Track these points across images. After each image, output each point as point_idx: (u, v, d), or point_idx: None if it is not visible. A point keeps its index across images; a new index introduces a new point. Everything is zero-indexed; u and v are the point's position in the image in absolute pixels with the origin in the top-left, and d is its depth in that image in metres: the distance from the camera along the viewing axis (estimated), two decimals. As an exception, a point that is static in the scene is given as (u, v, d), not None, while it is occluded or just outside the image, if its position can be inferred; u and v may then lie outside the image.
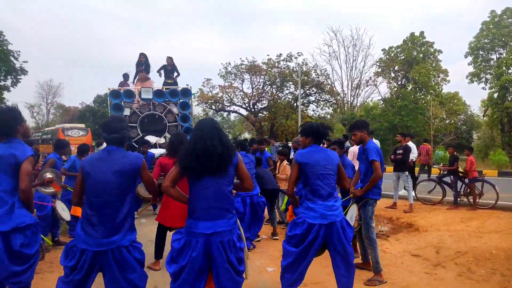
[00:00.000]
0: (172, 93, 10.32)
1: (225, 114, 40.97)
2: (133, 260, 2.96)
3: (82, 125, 32.34)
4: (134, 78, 11.33)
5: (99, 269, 2.95)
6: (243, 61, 34.28)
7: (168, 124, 10.29)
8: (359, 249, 5.29)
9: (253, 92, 34.94)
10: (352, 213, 4.82)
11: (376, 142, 11.80)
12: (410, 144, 11.07)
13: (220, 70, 35.39)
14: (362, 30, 60.12)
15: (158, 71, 11.54)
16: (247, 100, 35.08)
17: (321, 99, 36.01)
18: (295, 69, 32.52)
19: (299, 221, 3.69)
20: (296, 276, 3.66)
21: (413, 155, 11.06)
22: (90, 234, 2.88)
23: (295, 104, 33.43)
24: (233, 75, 34.83)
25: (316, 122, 4.09)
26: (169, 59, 11.63)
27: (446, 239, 6.42)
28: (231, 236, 2.99)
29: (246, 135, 41.47)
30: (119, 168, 2.96)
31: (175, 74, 11.63)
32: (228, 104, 35.48)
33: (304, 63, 34.10)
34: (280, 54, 33.86)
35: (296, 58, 33.39)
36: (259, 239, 6.57)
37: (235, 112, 37.27)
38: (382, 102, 32.36)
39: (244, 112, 36.37)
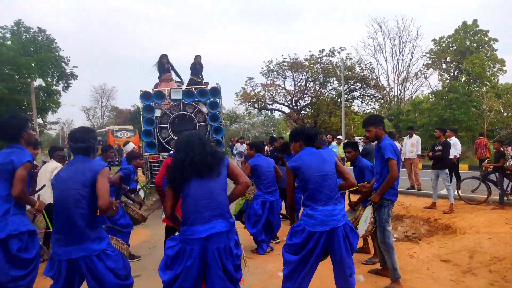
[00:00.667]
0: (201, 92, 10.32)
1: (268, 112, 40.85)
2: (105, 268, 2.89)
3: (130, 127, 33.75)
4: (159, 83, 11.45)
5: (81, 278, 2.94)
6: (285, 58, 34.07)
7: (198, 124, 10.32)
8: (378, 253, 4.96)
9: (295, 89, 34.64)
10: (368, 215, 4.51)
11: (416, 138, 11.19)
12: (453, 139, 10.36)
13: (262, 68, 35.47)
14: (409, 21, 57.47)
15: (190, 69, 11.62)
16: (290, 97, 34.80)
17: (367, 94, 34.95)
18: (338, 64, 31.74)
19: (298, 228, 3.45)
20: (297, 285, 3.42)
21: (457, 151, 10.35)
22: (59, 244, 2.87)
23: (339, 100, 32.65)
24: (275, 73, 34.69)
25: (306, 125, 3.92)
26: (198, 57, 11.66)
27: (484, 242, 5.86)
28: (228, 242, 2.86)
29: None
30: (80, 176, 2.91)
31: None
32: (270, 102, 35.39)
33: (348, 57, 33.27)
34: (323, 50, 33.27)
35: (339, 53, 32.65)
36: (278, 240, 6.38)
37: (278, 110, 37.13)
38: (432, 96, 30.75)
39: (287, 110, 36.12)
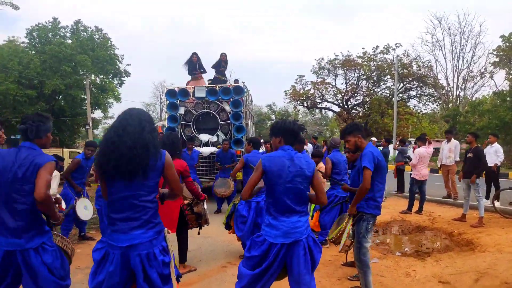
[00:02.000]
0: (225, 91, 10.28)
1: (317, 111, 40.07)
2: (41, 263, 2.85)
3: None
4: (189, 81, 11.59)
5: (15, 275, 2.90)
6: (337, 56, 33.17)
7: (220, 122, 10.30)
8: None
9: (346, 87, 33.63)
10: (347, 229, 4.17)
11: (454, 143, 10.29)
12: (495, 146, 9.46)
13: (313, 66, 34.77)
14: (471, 15, 53.40)
15: (214, 67, 11.65)
16: (340, 96, 33.86)
17: (424, 94, 33.06)
18: (393, 62, 30.28)
19: (258, 239, 3.17)
20: None
21: (499, 158, 9.41)
22: (2, 234, 2.84)
23: (392, 100, 31.18)
24: (326, 70, 33.91)
25: (288, 119, 3.50)
26: (224, 55, 11.65)
27: (501, 264, 5.23)
28: (151, 248, 2.65)
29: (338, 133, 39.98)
30: (22, 166, 2.83)
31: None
32: (320, 101, 34.68)
33: (405, 54, 31.66)
34: (377, 47, 31.97)
35: (394, 49, 31.18)
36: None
37: (327, 109, 36.31)
38: (496, 97, 28.39)
39: (337, 109, 35.21)
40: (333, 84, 33.99)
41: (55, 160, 3.00)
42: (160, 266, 2.66)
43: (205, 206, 5.33)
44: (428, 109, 33.64)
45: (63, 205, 5.98)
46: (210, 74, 12.12)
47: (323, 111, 42.12)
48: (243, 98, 10.47)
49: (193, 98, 10.48)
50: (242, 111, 10.26)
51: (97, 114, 30.57)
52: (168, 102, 10.35)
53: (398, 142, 11.97)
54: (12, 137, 19.99)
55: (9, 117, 21.22)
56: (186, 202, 5.25)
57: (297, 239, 3.04)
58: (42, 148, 3.06)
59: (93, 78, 25.45)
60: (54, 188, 5.78)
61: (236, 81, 12.36)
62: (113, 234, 2.67)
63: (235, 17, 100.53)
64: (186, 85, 11.27)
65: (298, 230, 3.06)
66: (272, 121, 50.90)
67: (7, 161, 2.87)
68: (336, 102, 34.71)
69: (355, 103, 34.41)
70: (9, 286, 2.93)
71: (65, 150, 19.40)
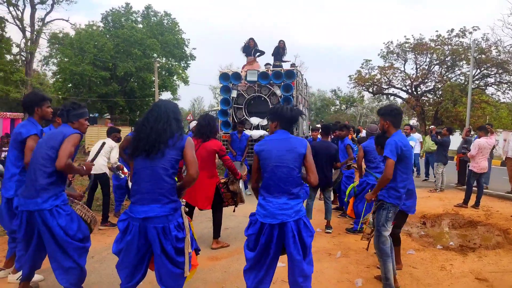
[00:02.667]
0: (276, 75, 10.28)
1: (384, 97, 38.43)
2: (56, 225, 3.17)
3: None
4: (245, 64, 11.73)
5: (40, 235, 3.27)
6: (408, 39, 31.47)
7: (271, 106, 10.36)
8: (396, 259, 4.48)
9: (416, 73, 31.86)
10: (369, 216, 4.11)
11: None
12: None
13: (381, 50, 33.31)
14: None
15: (273, 54, 11.68)
16: (409, 82, 32.17)
17: (503, 81, 30.32)
18: (470, 46, 28.03)
19: (252, 218, 3.32)
20: (255, 284, 3.26)
21: None
22: (23, 195, 3.26)
23: (468, 86, 28.96)
24: (395, 54, 32.35)
25: (285, 105, 3.55)
26: (282, 42, 11.64)
27: (553, 268, 4.83)
28: (167, 223, 2.89)
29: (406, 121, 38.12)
30: (51, 140, 3.26)
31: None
32: (386, 87, 33.25)
33: (484, 38, 29.15)
34: (452, 29, 29.81)
35: (470, 33, 28.83)
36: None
37: (394, 95, 34.74)
38: None
39: (405, 95, 33.53)
40: (402, 69, 32.42)
41: (80, 133, 3.32)
42: (174, 240, 2.89)
43: (241, 185, 5.49)
44: (508, 98, 30.83)
45: (125, 170, 6.48)
46: (268, 58, 12.22)
47: (391, 98, 40.36)
48: (295, 82, 10.40)
49: (246, 82, 10.62)
50: (293, 95, 10.22)
51: (166, 95, 32.05)
52: (222, 85, 10.60)
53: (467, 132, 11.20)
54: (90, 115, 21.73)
55: (85, 96, 23.02)
56: (222, 180, 5.45)
57: (284, 221, 3.09)
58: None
59: (163, 61, 26.71)
60: (114, 157, 6.28)
61: (292, 65, 12.30)
62: (132, 206, 2.95)
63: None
64: (242, 69, 11.46)
65: (285, 212, 3.11)
66: (336, 107, 49.91)
67: (46, 136, 3.36)
68: (404, 88, 33.10)
69: (426, 89, 32.54)
70: (36, 245, 3.32)
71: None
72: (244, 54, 11.89)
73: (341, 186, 7.27)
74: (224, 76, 10.58)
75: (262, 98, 10.49)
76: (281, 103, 10.14)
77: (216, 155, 5.26)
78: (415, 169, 12.80)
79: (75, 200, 3.59)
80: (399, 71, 32.35)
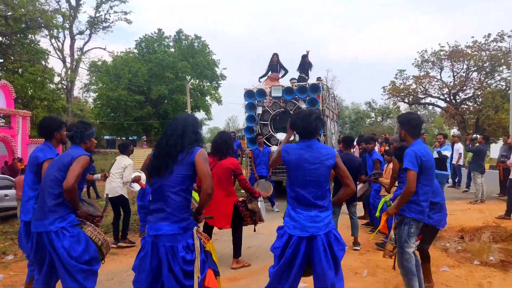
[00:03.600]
0: (301, 89, 10.15)
1: (421, 107, 37.27)
2: (61, 247, 3.15)
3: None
4: (263, 76, 11.70)
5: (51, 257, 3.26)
6: (442, 46, 30.59)
7: (297, 121, 10.21)
8: (426, 276, 4.17)
9: (454, 80, 30.76)
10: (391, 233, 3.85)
11: None
12: None
13: (415, 59, 32.48)
14: None
15: (298, 69, 11.63)
16: (446, 90, 31.05)
17: (548, 84, 28.61)
18: (510, 50, 26.79)
19: (280, 231, 3.17)
20: None
21: None
22: (34, 217, 3.31)
23: (509, 92, 27.57)
24: (430, 63, 31.47)
25: (305, 110, 3.37)
26: (306, 56, 11.58)
27: None
28: (175, 243, 2.80)
29: (446, 130, 36.72)
30: (60, 161, 3.31)
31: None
32: (423, 96, 32.25)
33: (527, 41, 27.72)
34: (489, 34, 28.68)
35: (510, 36, 27.56)
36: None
37: (431, 104, 33.64)
38: None
39: (443, 104, 32.34)
40: (438, 77, 31.42)
41: (89, 155, 3.34)
42: (181, 261, 2.77)
43: (259, 204, 5.35)
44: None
45: (143, 181, 6.34)
46: (293, 73, 12.18)
47: (430, 107, 39.11)
48: (320, 96, 10.24)
49: (270, 98, 10.57)
50: (319, 109, 10.04)
51: (199, 116, 32.62)
52: (247, 102, 10.60)
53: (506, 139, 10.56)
54: (123, 138, 22.37)
55: (121, 120, 23.78)
56: (241, 199, 5.35)
57: (314, 234, 2.94)
58: (87, 151, 3.44)
59: (195, 83, 27.34)
60: (127, 176, 6.17)
61: (318, 78, 12.16)
62: (148, 223, 2.93)
63: (334, 15, 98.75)
64: (263, 85, 11.45)
65: (316, 225, 2.97)
66: (372, 119, 48.86)
67: (55, 158, 3.42)
68: (442, 97, 32.00)
69: (465, 97, 31.31)
70: (48, 267, 3.31)
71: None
72: (269, 70, 11.89)
73: (370, 199, 6.97)
74: (249, 93, 10.58)
75: (288, 113, 10.38)
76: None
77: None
78: (450, 181, 12.19)
79: (87, 222, 3.58)
80: (435, 79, 31.42)
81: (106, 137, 38.62)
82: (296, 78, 11.86)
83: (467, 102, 31.46)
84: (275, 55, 11.63)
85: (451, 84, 30.86)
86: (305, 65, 11.63)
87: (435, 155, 8.87)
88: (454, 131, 36.42)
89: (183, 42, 27.36)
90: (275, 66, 11.64)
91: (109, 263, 5.41)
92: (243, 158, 11.36)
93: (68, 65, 28.36)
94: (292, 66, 12.07)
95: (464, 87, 30.73)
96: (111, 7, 26.47)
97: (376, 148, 8.11)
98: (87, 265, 3.26)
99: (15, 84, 18.63)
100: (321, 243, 2.95)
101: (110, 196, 5.76)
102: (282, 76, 11.82)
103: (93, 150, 3.58)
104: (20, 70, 20.52)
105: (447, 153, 8.90)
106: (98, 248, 3.41)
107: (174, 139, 2.92)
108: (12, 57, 17.98)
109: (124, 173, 6.17)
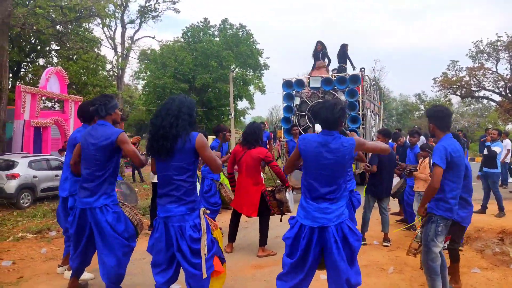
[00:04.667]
0: (340, 80, 10.00)
1: (474, 100, 35.32)
2: (105, 221, 3.37)
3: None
4: (313, 68, 11.57)
5: (91, 232, 3.50)
6: (500, 36, 28.68)
7: (335, 113, 10.07)
8: (454, 277, 4.07)
9: (511, 73, 28.81)
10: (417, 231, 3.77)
11: None
12: None
13: (469, 50, 30.72)
14: None
15: (337, 58, 11.44)
16: (502, 83, 29.19)
17: None
18: None
19: (292, 221, 3.18)
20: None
21: None
22: (79, 195, 3.53)
23: None
24: (485, 54, 29.65)
25: (330, 101, 3.31)
26: (345, 45, 11.33)
27: None
28: (183, 222, 2.96)
29: (501, 126, 34.68)
30: (97, 141, 3.42)
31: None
32: (476, 89, 30.51)
33: None
34: (554, 23, 26.47)
35: None
36: (364, 242, 5.82)
37: (485, 98, 31.78)
38: None
39: (497, 98, 30.47)
40: (494, 69, 29.57)
41: (122, 131, 3.52)
42: (188, 240, 2.93)
43: (287, 195, 5.38)
44: None
45: None
46: (334, 63, 12.02)
47: (485, 101, 37.00)
48: (360, 87, 10.04)
49: (309, 88, 10.49)
50: (358, 100, 9.85)
51: (242, 104, 32.89)
52: (285, 92, 10.58)
53: None
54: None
55: (166, 108, 24.38)
56: (269, 188, 5.42)
57: (325, 225, 2.93)
58: (113, 123, 3.62)
59: (239, 71, 27.55)
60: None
61: (362, 69, 11.90)
62: (158, 206, 3.09)
63: (387, 4, 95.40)
64: (309, 75, 11.36)
65: (327, 217, 2.95)
66: (421, 112, 46.93)
67: (90, 137, 3.49)
68: (497, 91, 30.12)
69: (522, 91, 29.28)
70: (86, 242, 3.56)
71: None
72: (313, 59, 11.77)
73: (404, 196, 6.80)
74: (287, 84, 10.57)
75: (326, 105, 10.26)
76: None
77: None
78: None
79: (125, 203, 3.80)
80: (490, 71, 29.57)
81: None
82: (336, 68, 11.68)
83: (524, 97, 29.44)
84: (319, 43, 11.48)
85: (508, 77, 28.96)
86: (345, 55, 11.40)
87: (485, 151, 8.45)
88: (510, 126, 34.33)
89: (228, 31, 27.63)
90: (318, 54, 11.49)
91: (142, 243, 5.67)
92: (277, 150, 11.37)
93: (119, 53, 29.58)
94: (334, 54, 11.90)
95: (522, 80, 28.78)
96: (160, -3, 27.27)
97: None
98: (126, 241, 3.47)
99: (70, 70, 19.69)
100: (331, 234, 2.92)
101: (152, 181, 5.99)
102: (328, 65, 11.66)
103: (119, 121, 3.74)
104: (74, 57, 21.61)
105: (497, 149, 8.36)
106: (134, 227, 3.63)
107: (168, 120, 2.93)
108: (67, 45, 18.92)
109: None
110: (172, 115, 2.95)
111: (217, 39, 26.92)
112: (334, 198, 3.01)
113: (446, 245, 4.31)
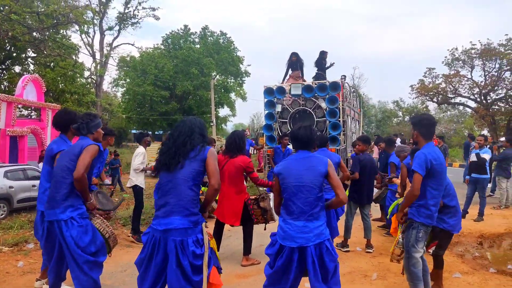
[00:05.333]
0: (321, 87, 10.10)
1: (452, 106, 36.19)
2: (69, 236, 3.27)
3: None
4: (284, 77, 11.68)
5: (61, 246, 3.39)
6: (474, 44, 29.51)
7: (316, 120, 10.16)
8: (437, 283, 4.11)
9: (485, 80, 29.66)
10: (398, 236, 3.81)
11: None
12: None
13: (445, 57, 31.51)
14: None
15: (315, 65, 11.56)
16: (477, 90, 30.02)
17: None
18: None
19: (273, 238, 3.25)
20: None
21: None
22: (46, 207, 3.45)
23: (544, 93, 26.48)
24: (460, 61, 30.46)
25: (303, 125, 3.42)
26: (325, 53, 11.47)
27: None
28: (186, 237, 2.87)
29: (476, 131, 35.64)
30: (71, 151, 3.41)
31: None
32: (452, 96, 31.28)
33: None
34: (524, 32, 27.43)
35: (546, 34, 26.31)
36: (347, 249, 5.86)
37: (461, 104, 32.60)
38: None
39: (473, 104, 31.30)
40: (469, 76, 30.39)
41: (98, 145, 3.46)
42: (191, 256, 2.83)
43: (271, 203, 5.37)
44: None
45: None
46: (311, 71, 12.15)
47: (460, 108, 37.93)
48: (340, 94, 10.15)
49: (290, 96, 10.55)
50: (339, 107, 9.96)
51: (223, 112, 32.83)
52: (266, 99, 10.61)
53: None
54: (149, 132, 22.80)
55: (147, 115, 24.24)
56: (253, 197, 5.39)
57: (303, 245, 2.97)
58: (95, 141, 3.54)
59: (220, 78, 27.53)
60: (136, 163, 6.17)
61: (342, 77, 12.05)
62: (155, 218, 3.00)
63: (363, 11, 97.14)
64: (281, 83, 11.44)
65: (304, 236, 2.99)
66: (399, 118, 47.82)
67: (66, 149, 3.52)
68: (472, 97, 30.94)
69: (496, 97, 30.12)
70: (58, 255, 3.44)
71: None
72: (287, 68, 11.87)
73: (386, 202, 6.88)
74: (268, 91, 10.61)
75: (307, 112, 10.36)
76: (326, 116, 9.95)
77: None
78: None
79: (97, 215, 3.68)
80: (465, 78, 30.38)
81: (133, 131, 39.49)
82: (314, 76, 11.80)
83: (498, 103, 30.31)
84: (294, 55, 11.60)
85: (482, 83, 29.82)
86: (322, 63, 11.53)
87: (473, 157, 8.58)
88: (485, 132, 35.25)
89: (209, 38, 27.61)
90: (294, 65, 11.60)
91: (123, 255, 5.56)
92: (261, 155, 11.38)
93: (98, 60, 29.14)
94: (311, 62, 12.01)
95: (496, 87, 29.57)
96: (139, 3, 27.05)
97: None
98: (93, 256, 3.37)
99: (47, 78, 19.30)
100: (310, 254, 2.97)
101: (127, 185, 5.88)
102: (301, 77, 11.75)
103: (101, 141, 3.70)
104: (51, 64, 21.21)
105: (486, 156, 8.51)
106: (105, 240, 3.52)
107: (182, 139, 3.03)
108: (44, 52, 18.56)
109: (133, 161, 6.25)
110: (185, 135, 3.04)
111: (198, 46, 26.86)
112: (312, 214, 3.06)
113: (431, 251, 4.39)
